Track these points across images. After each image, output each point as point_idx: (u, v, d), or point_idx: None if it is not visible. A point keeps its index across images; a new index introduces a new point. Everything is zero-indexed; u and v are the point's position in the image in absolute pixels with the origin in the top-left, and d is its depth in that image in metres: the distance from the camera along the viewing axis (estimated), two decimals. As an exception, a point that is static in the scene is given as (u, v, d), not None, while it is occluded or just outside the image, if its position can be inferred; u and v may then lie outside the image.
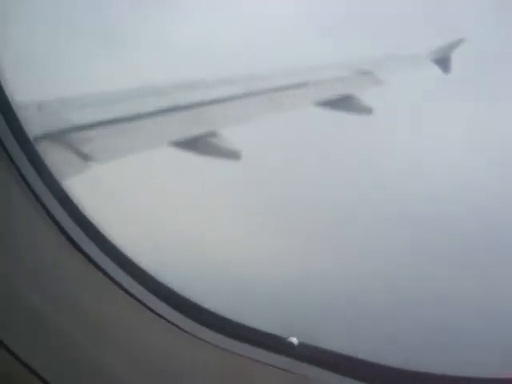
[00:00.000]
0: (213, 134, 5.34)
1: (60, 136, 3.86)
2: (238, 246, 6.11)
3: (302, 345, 1.53)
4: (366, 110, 7.12)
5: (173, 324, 1.51)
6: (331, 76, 7.45)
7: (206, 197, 6.57)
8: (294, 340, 1.53)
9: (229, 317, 1.56)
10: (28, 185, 1.52)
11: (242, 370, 1.49)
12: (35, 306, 1.49)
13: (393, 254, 6.59)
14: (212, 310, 1.56)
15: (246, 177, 6.72)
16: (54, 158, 3.70)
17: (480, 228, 7.04)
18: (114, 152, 4.39)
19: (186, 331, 1.50)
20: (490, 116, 8.51)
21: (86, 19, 6.96)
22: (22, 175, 1.52)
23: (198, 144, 5.23)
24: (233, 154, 5.48)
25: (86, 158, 3.90)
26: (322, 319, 5.16)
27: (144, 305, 1.52)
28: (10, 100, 1.58)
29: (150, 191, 5.96)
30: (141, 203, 5.89)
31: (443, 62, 8.66)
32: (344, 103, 7.03)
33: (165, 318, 1.51)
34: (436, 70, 8.56)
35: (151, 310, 1.51)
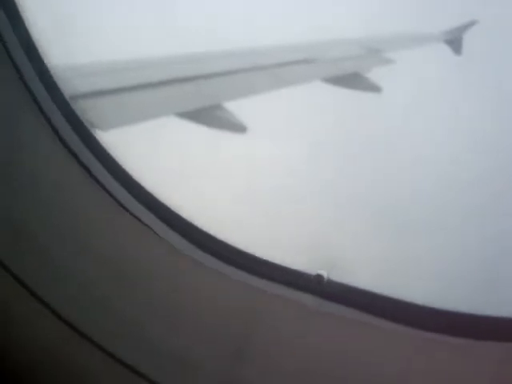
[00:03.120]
0: (218, 107, 5.34)
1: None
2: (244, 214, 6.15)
3: (330, 282, 1.47)
4: (375, 88, 7.07)
5: (197, 261, 1.50)
6: (340, 53, 7.39)
7: (210, 168, 6.59)
8: (324, 273, 1.47)
9: (254, 253, 1.53)
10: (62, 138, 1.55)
11: (267, 306, 1.46)
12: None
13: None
14: (236, 246, 1.54)
15: (251, 149, 6.73)
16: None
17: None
18: (120, 120, 4.42)
19: (210, 268, 1.49)
20: (498, 98, 8.45)
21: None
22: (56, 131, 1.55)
23: (203, 116, 5.23)
24: (238, 127, 5.48)
25: (91, 125, 3.93)
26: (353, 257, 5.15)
27: (167, 241, 1.52)
28: (44, 60, 1.62)
29: (154, 160, 6.00)
30: (145, 171, 5.94)
31: (455, 42, 8.59)
32: (352, 81, 6.98)
33: (188, 255, 1.50)
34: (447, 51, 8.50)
35: (173, 246, 1.51)
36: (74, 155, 1.54)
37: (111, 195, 1.53)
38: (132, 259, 1.53)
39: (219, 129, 5.41)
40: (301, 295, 1.46)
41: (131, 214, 1.52)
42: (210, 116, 5.27)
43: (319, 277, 1.47)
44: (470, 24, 8.69)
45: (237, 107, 5.55)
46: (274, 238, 5.32)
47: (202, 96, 5.36)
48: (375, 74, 7.28)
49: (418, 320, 1.42)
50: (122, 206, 1.53)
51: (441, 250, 6.12)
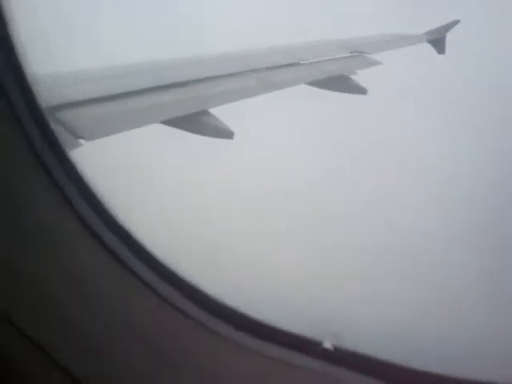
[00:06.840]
0: (205, 113, 5.27)
1: (52, 112, 3.79)
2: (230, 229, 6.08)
3: (337, 349, 1.45)
4: (361, 90, 7.04)
5: (206, 327, 1.45)
6: (325, 55, 7.35)
7: (197, 175, 6.53)
8: (329, 345, 1.45)
9: (263, 319, 1.50)
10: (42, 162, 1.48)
11: (277, 373, 1.43)
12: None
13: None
14: (242, 311, 1.51)
15: (237, 156, 6.68)
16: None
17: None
18: (106, 129, 4.32)
19: (220, 335, 1.45)
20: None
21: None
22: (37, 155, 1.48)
23: (189, 122, 5.16)
24: (225, 133, 5.41)
25: (77, 134, 3.83)
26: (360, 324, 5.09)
27: (172, 305, 1.47)
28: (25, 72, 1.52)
29: (140, 169, 5.90)
30: (131, 181, 5.84)
31: (438, 42, 8.61)
32: (338, 83, 6.94)
33: (196, 320, 1.45)
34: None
35: (180, 311, 1.46)
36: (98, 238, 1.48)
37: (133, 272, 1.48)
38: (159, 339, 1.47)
39: (206, 135, 5.34)
40: (311, 361, 1.44)
41: (158, 295, 1.48)
42: (196, 122, 5.20)
43: (326, 346, 1.46)
44: (453, 24, 8.71)
45: (222, 112, 5.49)
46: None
47: (188, 102, 5.28)
48: (360, 76, 7.25)
49: None
50: (146, 284, 1.48)
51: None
